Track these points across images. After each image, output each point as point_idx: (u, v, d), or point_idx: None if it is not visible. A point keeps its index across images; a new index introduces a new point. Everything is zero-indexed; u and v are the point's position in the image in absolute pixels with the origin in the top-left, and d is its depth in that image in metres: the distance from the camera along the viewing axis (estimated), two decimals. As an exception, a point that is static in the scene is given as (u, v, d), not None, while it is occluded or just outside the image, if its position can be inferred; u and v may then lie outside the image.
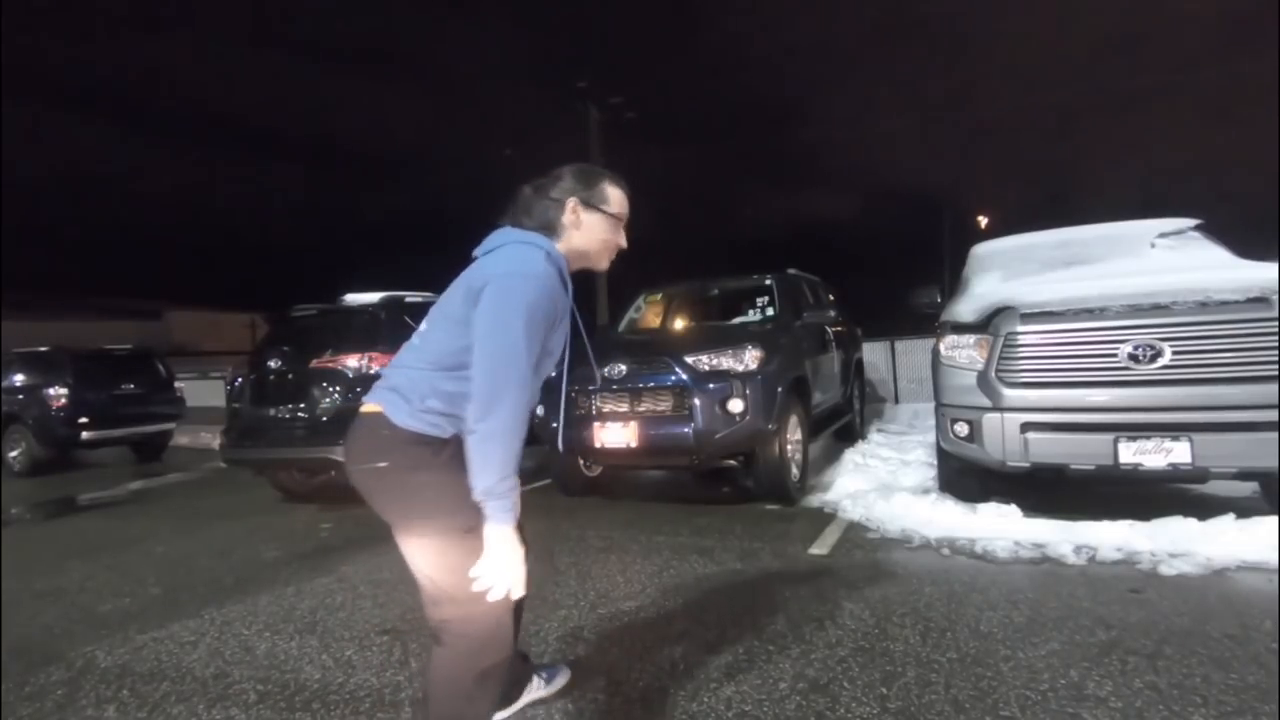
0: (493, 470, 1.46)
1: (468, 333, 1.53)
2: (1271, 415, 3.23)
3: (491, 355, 1.48)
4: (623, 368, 4.76)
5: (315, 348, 5.54)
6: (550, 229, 1.69)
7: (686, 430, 4.49)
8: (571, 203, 1.69)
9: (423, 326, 1.69)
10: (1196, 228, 4.62)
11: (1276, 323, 3.26)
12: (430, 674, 1.65)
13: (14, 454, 9.28)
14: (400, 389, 1.59)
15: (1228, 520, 3.45)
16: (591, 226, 1.71)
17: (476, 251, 1.69)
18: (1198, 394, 3.39)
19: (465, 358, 1.52)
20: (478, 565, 1.51)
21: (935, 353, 4.27)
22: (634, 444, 4.61)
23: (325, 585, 3.61)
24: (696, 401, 4.48)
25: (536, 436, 5.40)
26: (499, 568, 1.50)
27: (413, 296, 6.17)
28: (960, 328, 4.07)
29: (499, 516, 1.49)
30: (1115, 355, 3.53)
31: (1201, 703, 2.06)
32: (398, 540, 1.62)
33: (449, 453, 1.55)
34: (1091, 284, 3.78)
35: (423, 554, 1.59)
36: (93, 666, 2.76)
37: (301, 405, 5.48)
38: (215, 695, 2.45)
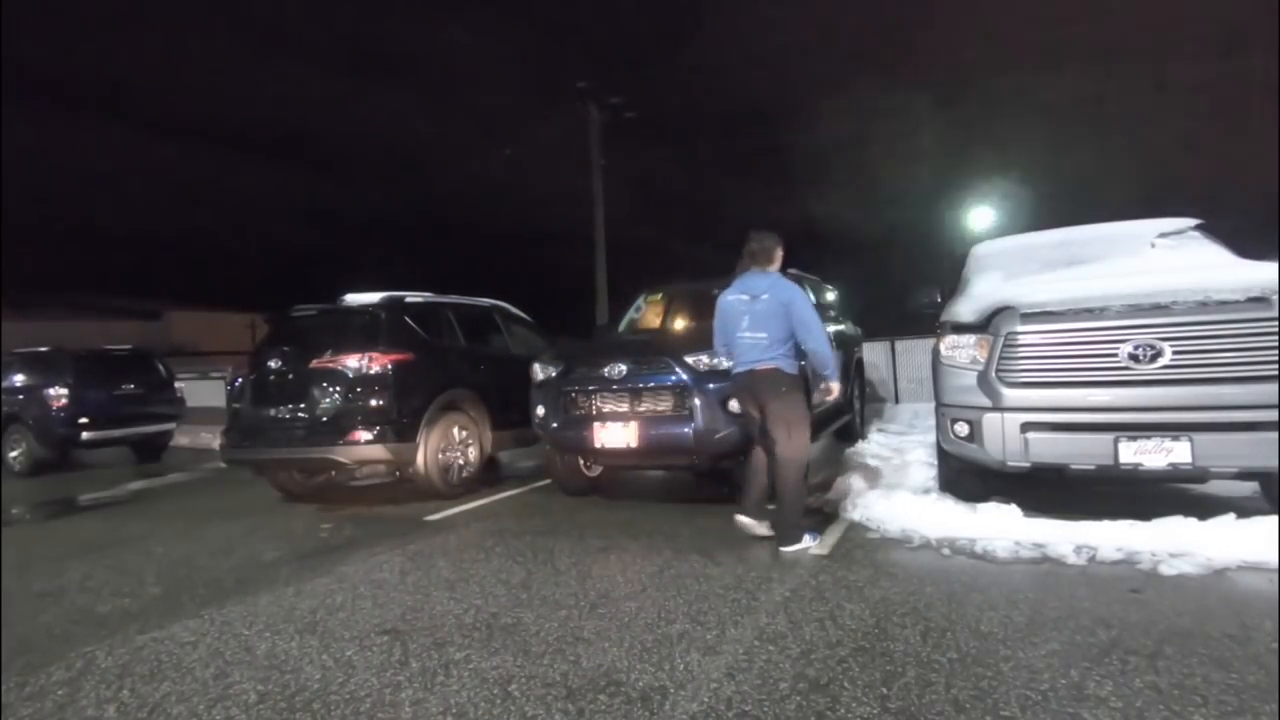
0: (833, 365, 3.88)
1: (788, 323, 3.72)
2: (1271, 415, 3.23)
3: (815, 324, 3.75)
4: (623, 368, 4.76)
5: (315, 348, 5.54)
6: (772, 263, 3.93)
7: (686, 430, 4.49)
8: (779, 249, 3.96)
9: (746, 328, 3.80)
10: (1196, 228, 4.61)
11: (1276, 322, 3.26)
12: (780, 472, 3.76)
13: (14, 454, 9.28)
14: (778, 358, 3.73)
15: (1228, 520, 3.45)
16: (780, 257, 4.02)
17: (754, 290, 3.81)
18: (1198, 394, 3.39)
19: (792, 336, 3.75)
20: (827, 393, 4.10)
21: (935, 353, 4.27)
22: (634, 444, 4.61)
23: (325, 585, 3.61)
24: (696, 401, 4.48)
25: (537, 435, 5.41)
26: (835, 391, 4.09)
27: (413, 296, 6.16)
28: (960, 328, 4.06)
29: (836, 377, 3.96)
30: (1115, 355, 3.52)
31: (1201, 703, 2.06)
32: (774, 420, 3.75)
33: (800, 379, 3.86)
34: (1091, 284, 3.78)
35: (794, 421, 3.75)
36: (93, 666, 2.76)
37: (301, 405, 5.47)
38: (215, 695, 2.45)
